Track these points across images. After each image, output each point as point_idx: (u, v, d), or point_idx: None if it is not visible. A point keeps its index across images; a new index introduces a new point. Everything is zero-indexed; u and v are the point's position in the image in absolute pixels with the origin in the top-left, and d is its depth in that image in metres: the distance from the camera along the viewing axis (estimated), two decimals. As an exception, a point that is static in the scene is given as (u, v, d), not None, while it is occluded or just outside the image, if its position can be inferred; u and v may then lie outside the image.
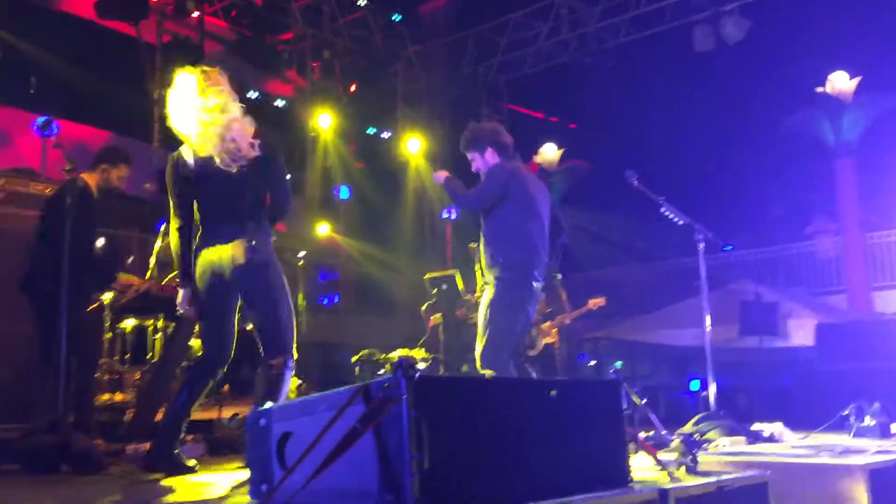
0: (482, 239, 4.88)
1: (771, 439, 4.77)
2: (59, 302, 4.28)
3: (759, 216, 17.52)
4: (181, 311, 3.94)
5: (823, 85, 13.62)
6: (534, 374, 7.54)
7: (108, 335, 6.92)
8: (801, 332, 10.07)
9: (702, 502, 2.47)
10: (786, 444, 4.54)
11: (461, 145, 5.14)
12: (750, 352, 10.32)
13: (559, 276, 7.95)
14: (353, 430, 2.00)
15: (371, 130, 14.60)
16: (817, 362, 8.42)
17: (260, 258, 3.68)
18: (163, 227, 7.40)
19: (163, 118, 11.76)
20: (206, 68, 3.84)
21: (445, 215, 15.03)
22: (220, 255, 3.69)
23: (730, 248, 14.91)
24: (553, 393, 2.29)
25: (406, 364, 2.03)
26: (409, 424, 1.96)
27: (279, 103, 13.38)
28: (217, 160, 3.67)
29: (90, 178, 5.08)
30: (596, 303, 7.98)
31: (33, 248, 5.00)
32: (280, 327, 3.74)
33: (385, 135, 14.88)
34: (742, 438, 4.68)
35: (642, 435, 3.73)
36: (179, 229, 3.84)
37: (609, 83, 14.93)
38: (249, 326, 7.94)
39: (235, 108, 3.74)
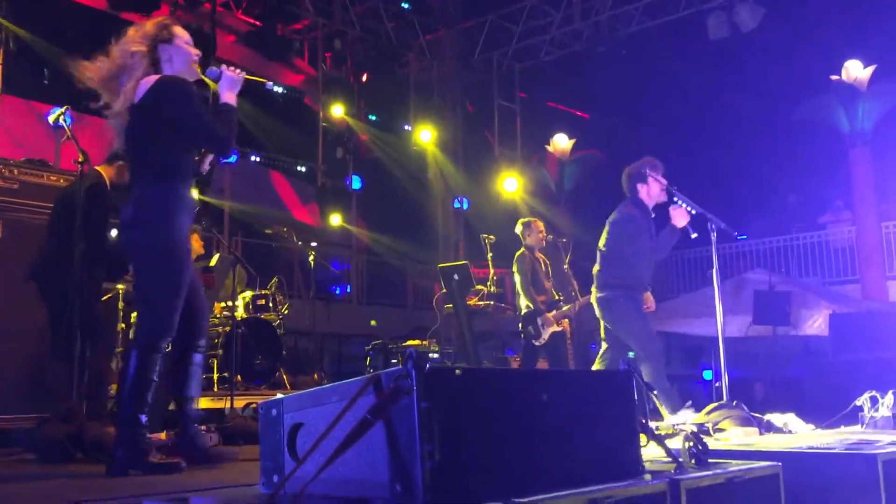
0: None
1: (783, 430, 4.75)
2: (71, 292, 4.30)
3: (774, 205, 17.43)
4: None
5: (838, 73, 13.51)
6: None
7: (122, 325, 6.99)
8: (814, 323, 10.03)
9: (712, 493, 2.46)
10: (798, 435, 4.53)
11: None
12: (763, 342, 10.29)
13: (567, 266, 7.93)
14: (364, 421, 2.00)
15: (372, 117, 14.58)
16: (831, 352, 8.38)
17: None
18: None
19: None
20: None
21: (458, 205, 15.06)
22: None
23: (744, 237, 14.84)
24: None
25: (417, 355, 2.03)
26: (419, 416, 1.96)
27: (291, 93, 13.39)
28: None
29: (105, 172, 5.11)
30: None
31: (46, 238, 5.03)
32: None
33: (406, 127, 14.87)
34: (754, 429, 4.67)
35: (654, 425, 3.72)
36: None
37: (622, 72, 14.85)
38: (269, 317, 7.97)
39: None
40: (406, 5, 14.42)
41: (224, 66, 3.57)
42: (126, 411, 3.46)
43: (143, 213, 3.43)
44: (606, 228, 5.68)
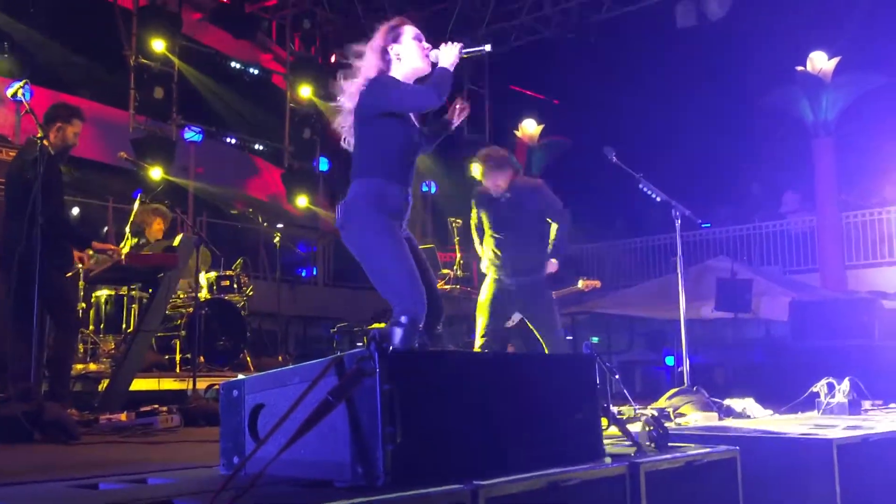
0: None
1: (742, 415, 4.83)
2: (31, 271, 4.23)
3: (737, 194, 17.63)
4: None
5: (804, 64, 13.66)
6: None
7: (82, 305, 6.89)
8: (774, 310, 10.17)
9: (672, 476, 2.49)
10: (756, 420, 4.60)
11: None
12: (724, 328, 10.43)
13: None
14: (326, 403, 1.99)
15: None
16: (790, 339, 8.51)
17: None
18: (139, 197, 7.33)
19: (140, 85, 11.54)
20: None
21: (425, 188, 15.02)
22: None
23: (707, 225, 15.00)
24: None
25: (380, 337, 2.03)
26: (381, 398, 1.95)
27: (258, 73, 13.23)
28: None
29: (43, 140, 4.97)
30: (589, 284, 7.82)
31: (5, 219, 4.93)
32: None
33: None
34: (714, 414, 4.74)
35: (615, 409, 3.76)
36: None
37: (590, 59, 14.89)
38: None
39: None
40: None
41: (443, 45, 3.67)
42: None
43: (349, 212, 3.56)
44: None
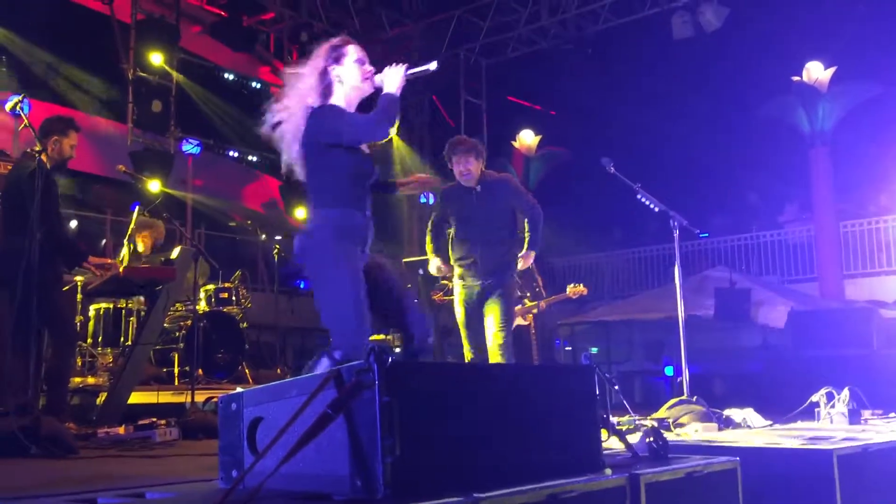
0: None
1: (742, 425, 4.82)
2: (28, 284, 4.23)
3: (735, 204, 17.67)
4: None
5: (800, 74, 13.71)
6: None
7: (80, 318, 6.88)
8: (773, 319, 10.18)
9: (672, 488, 2.48)
10: (756, 430, 4.59)
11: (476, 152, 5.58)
12: (723, 338, 10.43)
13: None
14: (324, 416, 1.99)
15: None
16: (789, 349, 8.51)
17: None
18: (136, 209, 7.33)
19: (138, 98, 11.53)
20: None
21: (423, 200, 15.03)
22: None
23: (705, 235, 15.01)
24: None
25: (378, 349, 2.02)
26: (380, 410, 1.95)
27: (256, 85, 13.25)
28: None
29: (46, 154, 4.97)
30: (576, 291, 7.86)
31: (3, 229, 4.92)
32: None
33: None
34: (714, 424, 4.72)
35: (614, 420, 3.75)
36: None
37: (588, 70, 14.92)
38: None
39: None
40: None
41: (388, 68, 3.54)
42: None
43: (310, 243, 3.47)
44: None
